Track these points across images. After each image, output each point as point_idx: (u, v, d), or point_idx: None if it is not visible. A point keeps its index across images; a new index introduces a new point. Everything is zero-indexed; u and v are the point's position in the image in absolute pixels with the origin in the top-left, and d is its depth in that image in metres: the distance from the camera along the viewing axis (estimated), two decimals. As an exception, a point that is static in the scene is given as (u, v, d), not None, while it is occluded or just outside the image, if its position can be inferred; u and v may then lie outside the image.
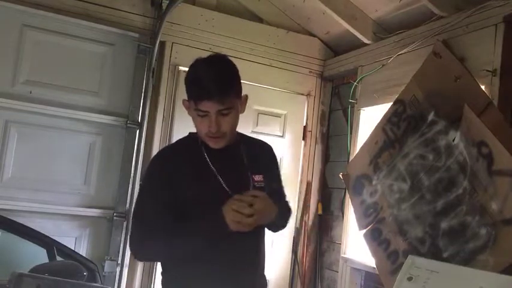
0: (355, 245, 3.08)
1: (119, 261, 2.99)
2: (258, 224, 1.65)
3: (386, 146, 2.58)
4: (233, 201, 1.62)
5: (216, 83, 1.61)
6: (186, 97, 1.70)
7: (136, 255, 1.82)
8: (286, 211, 1.94)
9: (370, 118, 3.08)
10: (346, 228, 3.15)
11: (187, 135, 1.84)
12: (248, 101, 1.78)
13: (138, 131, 3.06)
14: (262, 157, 1.88)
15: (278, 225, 1.90)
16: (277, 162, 2.01)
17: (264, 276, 1.86)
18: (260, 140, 1.97)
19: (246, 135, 1.92)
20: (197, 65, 1.69)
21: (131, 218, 1.81)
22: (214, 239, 1.65)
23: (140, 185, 1.93)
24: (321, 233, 3.46)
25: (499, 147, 1.91)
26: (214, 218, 1.62)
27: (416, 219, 2.31)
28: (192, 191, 1.68)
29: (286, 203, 1.98)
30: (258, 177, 1.77)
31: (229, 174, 1.72)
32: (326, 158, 3.59)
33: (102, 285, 2.42)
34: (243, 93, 1.74)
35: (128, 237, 1.86)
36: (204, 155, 1.72)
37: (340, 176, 2.91)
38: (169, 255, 1.73)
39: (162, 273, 1.78)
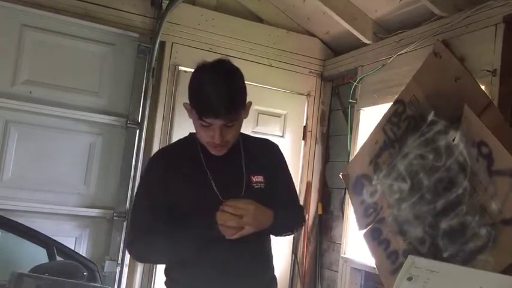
0: (355, 245, 3.08)
1: (119, 261, 2.99)
2: (248, 233, 1.59)
3: (386, 146, 2.58)
4: (221, 213, 1.56)
5: (224, 103, 1.53)
6: (186, 99, 1.64)
7: (132, 256, 1.81)
8: (293, 217, 1.81)
9: (370, 118, 3.08)
10: (346, 228, 3.15)
11: (188, 135, 1.79)
12: None
13: (138, 131, 3.06)
14: (263, 156, 1.78)
15: (279, 231, 1.77)
16: (283, 162, 1.85)
17: (271, 278, 1.80)
18: (263, 139, 1.88)
19: (248, 135, 1.87)
20: (203, 77, 1.58)
21: (128, 219, 1.81)
22: (207, 243, 1.61)
23: (138, 185, 1.89)
24: (321, 233, 3.46)
25: (499, 147, 1.91)
26: (206, 224, 1.58)
27: (416, 219, 2.31)
28: (184, 195, 1.65)
29: (296, 208, 1.85)
30: (256, 178, 1.69)
31: (223, 177, 1.67)
32: (326, 158, 3.59)
33: (102, 285, 2.42)
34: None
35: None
36: (201, 158, 1.69)
37: (340, 176, 2.91)
38: (160, 259, 1.75)
39: (165, 274, 1.75)
